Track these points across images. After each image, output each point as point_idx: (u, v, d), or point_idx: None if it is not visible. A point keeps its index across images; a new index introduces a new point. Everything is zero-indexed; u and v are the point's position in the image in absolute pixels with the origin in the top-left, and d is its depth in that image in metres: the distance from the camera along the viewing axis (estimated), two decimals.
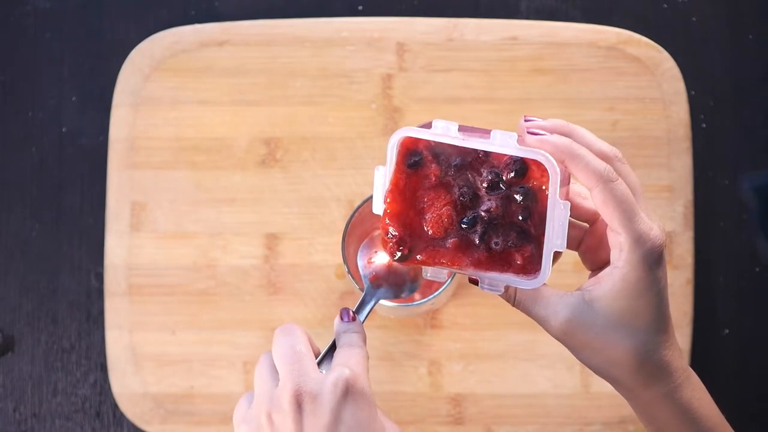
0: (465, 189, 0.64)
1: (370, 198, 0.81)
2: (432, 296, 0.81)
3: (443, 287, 0.81)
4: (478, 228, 0.64)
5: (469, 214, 0.64)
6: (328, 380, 0.62)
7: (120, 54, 0.98)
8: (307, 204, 0.96)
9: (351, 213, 0.82)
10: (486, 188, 0.64)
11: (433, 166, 0.64)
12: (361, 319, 0.69)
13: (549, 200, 0.62)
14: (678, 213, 0.95)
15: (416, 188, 0.65)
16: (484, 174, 0.64)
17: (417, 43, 0.97)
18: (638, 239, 0.62)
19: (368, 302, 0.72)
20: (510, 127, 0.95)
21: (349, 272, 0.80)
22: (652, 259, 0.62)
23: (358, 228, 0.83)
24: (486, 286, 0.65)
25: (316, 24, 0.97)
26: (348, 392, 0.62)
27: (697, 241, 0.96)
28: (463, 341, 0.95)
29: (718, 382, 0.97)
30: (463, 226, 0.64)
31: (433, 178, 0.65)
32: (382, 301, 0.79)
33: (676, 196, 0.95)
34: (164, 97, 0.97)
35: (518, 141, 0.63)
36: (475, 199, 0.64)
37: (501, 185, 0.64)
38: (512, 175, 0.63)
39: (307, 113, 0.97)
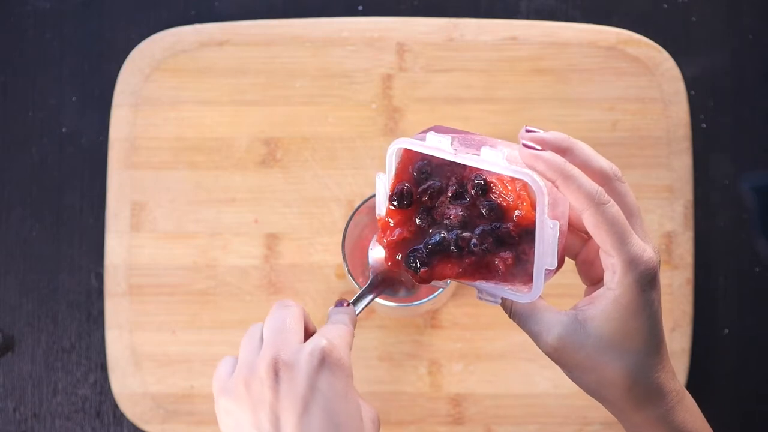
0: (424, 215, 0.66)
1: (370, 198, 0.81)
2: (432, 296, 0.81)
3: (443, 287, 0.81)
4: (450, 240, 0.65)
5: (433, 232, 0.65)
6: (304, 350, 0.63)
7: (120, 54, 0.98)
8: (307, 204, 0.96)
9: (351, 213, 0.82)
10: (450, 198, 0.65)
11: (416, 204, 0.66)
12: (357, 310, 0.70)
13: (537, 220, 0.62)
14: (678, 213, 0.95)
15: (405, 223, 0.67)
16: (450, 183, 0.64)
17: (417, 43, 0.97)
18: (631, 262, 0.61)
19: (366, 295, 0.71)
20: (510, 128, 0.97)
21: (349, 272, 0.80)
22: (645, 282, 0.62)
23: (358, 228, 0.83)
24: (484, 297, 0.66)
25: (316, 24, 0.97)
26: (324, 361, 0.62)
27: (697, 241, 0.96)
28: (463, 341, 0.95)
29: (718, 382, 0.97)
30: (429, 247, 0.65)
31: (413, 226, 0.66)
32: (383, 301, 0.79)
33: (676, 196, 0.95)
34: (164, 97, 0.97)
35: (508, 158, 0.62)
36: (434, 223, 0.66)
37: (465, 196, 0.64)
38: (475, 191, 0.64)
39: (307, 113, 0.97)
